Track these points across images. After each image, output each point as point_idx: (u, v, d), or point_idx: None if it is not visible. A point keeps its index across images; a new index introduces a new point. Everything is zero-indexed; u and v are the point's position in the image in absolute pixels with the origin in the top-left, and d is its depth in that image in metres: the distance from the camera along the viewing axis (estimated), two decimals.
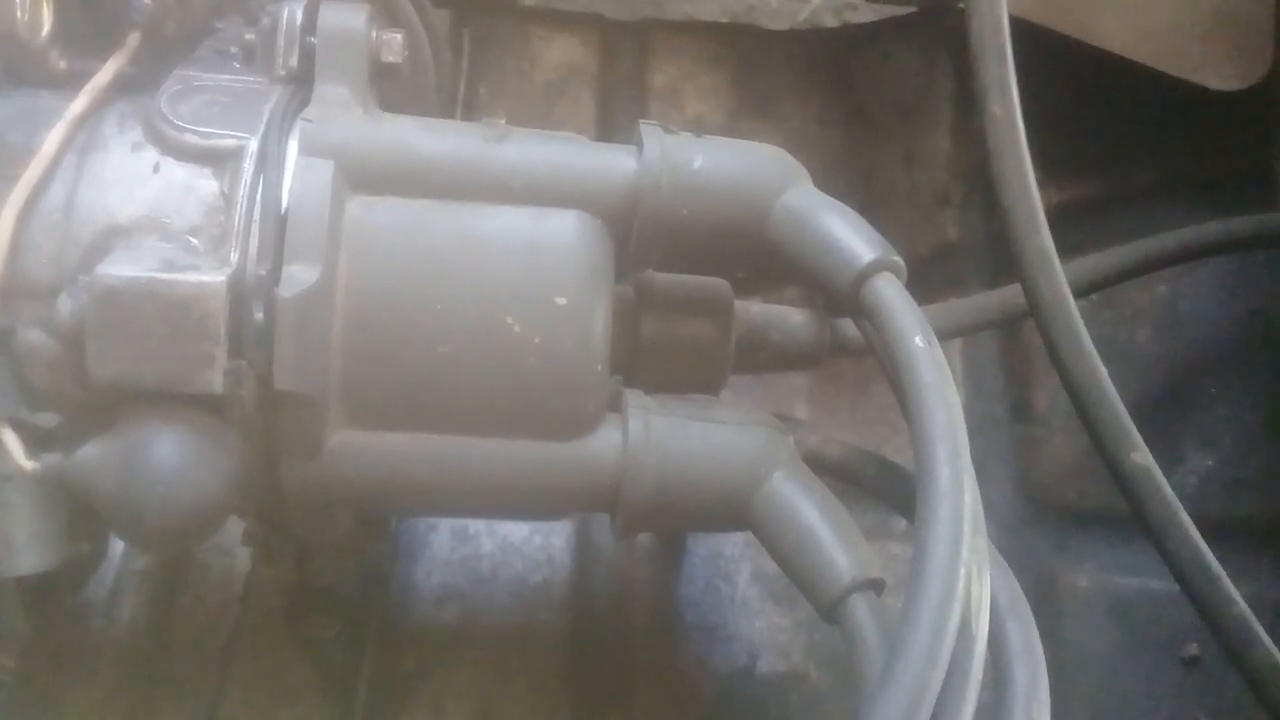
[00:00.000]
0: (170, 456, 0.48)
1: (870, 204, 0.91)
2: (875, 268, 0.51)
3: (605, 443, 0.55)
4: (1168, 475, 0.61)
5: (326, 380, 0.51)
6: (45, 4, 0.52)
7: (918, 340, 0.49)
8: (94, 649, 0.74)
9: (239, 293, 0.48)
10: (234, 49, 0.57)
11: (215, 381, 0.48)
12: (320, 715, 0.74)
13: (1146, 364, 0.85)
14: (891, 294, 0.51)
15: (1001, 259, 0.90)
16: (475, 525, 0.81)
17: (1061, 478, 0.84)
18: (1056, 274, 0.61)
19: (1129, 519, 0.62)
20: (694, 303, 0.61)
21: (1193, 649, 0.78)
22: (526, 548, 0.81)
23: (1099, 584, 0.81)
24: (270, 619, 0.77)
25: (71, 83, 0.54)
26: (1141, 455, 0.60)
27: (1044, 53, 0.72)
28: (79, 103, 0.51)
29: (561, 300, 0.53)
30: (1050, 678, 0.52)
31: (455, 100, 0.91)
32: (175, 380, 0.48)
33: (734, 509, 0.56)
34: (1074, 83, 0.86)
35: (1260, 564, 0.80)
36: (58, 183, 0.50)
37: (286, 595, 0.77)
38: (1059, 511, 0.84)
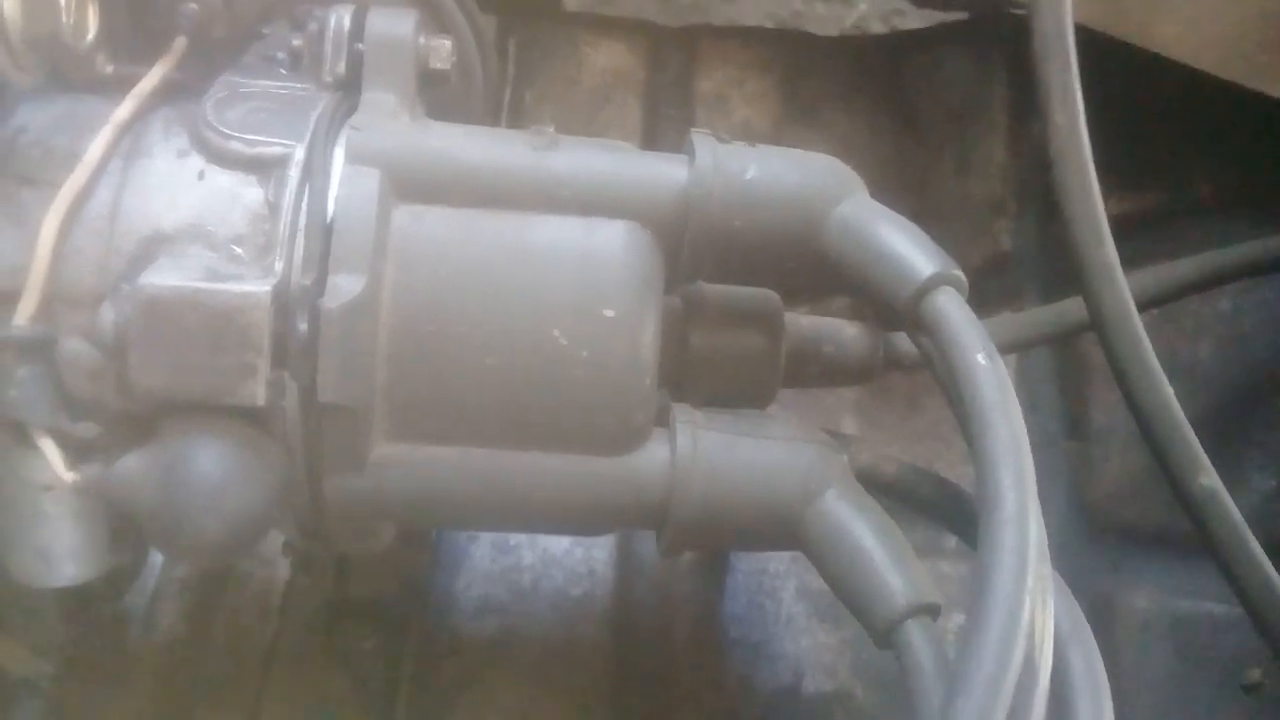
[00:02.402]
0: (212, 469, 0.47)
1: (922, 213, 0.88)
2: (936, 282, 0.50)
3: (653, 458, 0.53)
4: (1230, 496, 0.59)
5: (371, 393, 0.50)
6: (91, 7, 0.52)
7: (981, 358, 0.47)
8: (132, 657, 0.73)
9: (283, 303, 0.48)
10: (280, 54, 0.56)
11: (258, 393, 0.47)
12: None
13: (1209, 381, 0.83)
14: (954, 309, 0.49)
15: (1057, 269, 0.88)
16: (516, 537, 0.80)
17: (1118, 496, 0.82)
18: (1121, 288, 0.59)
19: (1188, 539, 0.60)
20: (744, 315, 0.60)
21: (1255, 675, 0.75)
22: (568, 560, 0.80)
23: (1157, 606, 0.79)
24: (309, 629, 0.76)
25: (117, 87, 0.54)
26: (1209, 478, 0.58)
27: (1105, 60, 0.70)
28: (124, 108, 0.51)
29: (610, 313, 0.52)
30: None
31: (501, 106, 0.90)
32: (218, 391, 0.47)
33: (784, 528, 0.54)
34: (1135, 91, 0.84)
35: None
36: (102, 189, 0.50)
37: (326, 606, 0.76)
38: (1115, 531, 0.82)
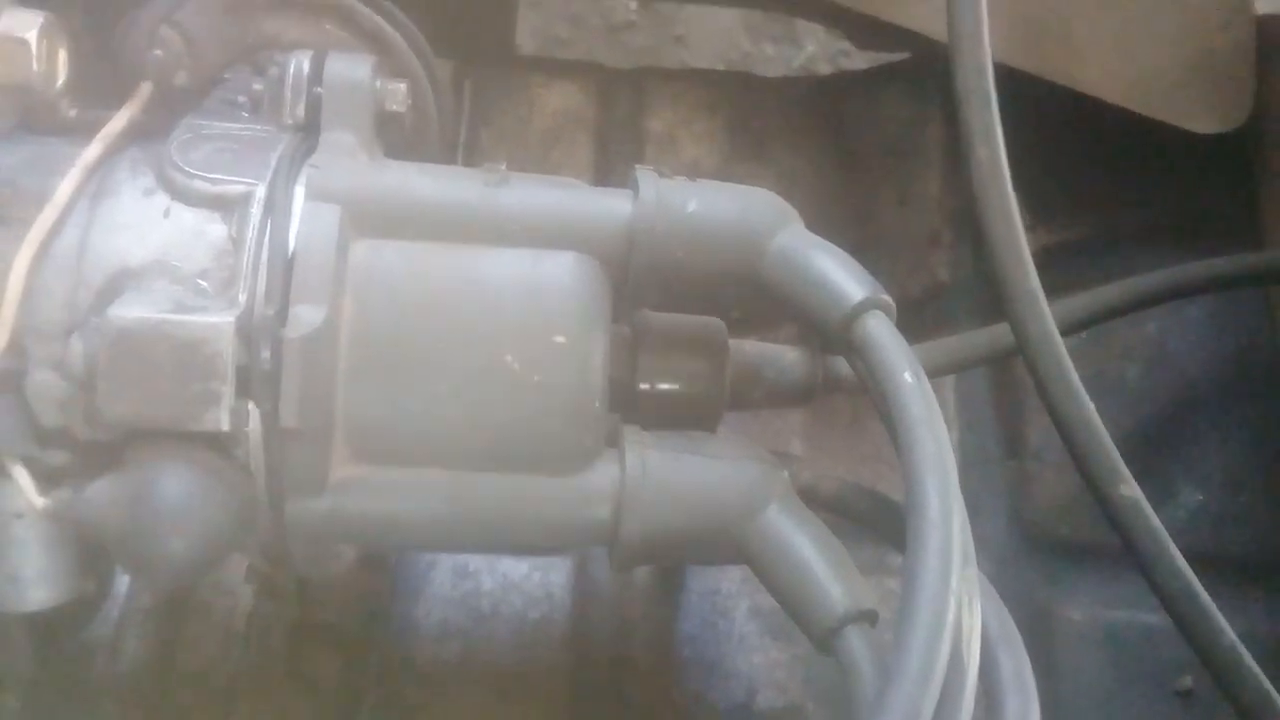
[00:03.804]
0: (177, 493, 0.49)
1: (863, 245, 0.93)
2: (865, 306, 0.53)
3: (603, 477, 0.56)
4: (1159, 510, 0.62)
5: (331, 418, 0.52)
6: (60, 54, 0.54)
7: (906, 375, 0.50)
8: (98, 687, 0.74)
9: (247, 333, 0.50)
10: (241, 98, 0.58)
11: (222, 419, 0.49)
12: None
13: (1136, 400, 0.86)
14: (881, 331, 0.52)
15: (992, 299, 0.91)
16: (475, 562, 0.82)
17: (1054, 512, 0.85)
18: (1043, 312, 0.62)
19: (1121, 552, 0.63)
20: (690, 341, 0.62)
21: (1187, 682, 0.78)
22: (526, 585, 0.82)
23: (1092, 617, 0.82)
24: (272, 657, 0.77)
25: (82, 131, 0.56)
26: (1129, 488, 0.61)
27: (1028, 98, 0.74)
28: (92, 150, 0.53)
29: (560, 339, 0.54)
30: (1045, 711, 0.53)
31: (457, 146, 0.93)
32: (183, 418, 0.49)
33: (729, 542, 0.57)
34: (1059, 128, 0.88)
35: (1251, 600, 0.81)
36: (71, 228, 0.52)
37: (288, 633, 0.78)
38: (1052, 545, 0.85)
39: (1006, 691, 0.52)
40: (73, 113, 0.58)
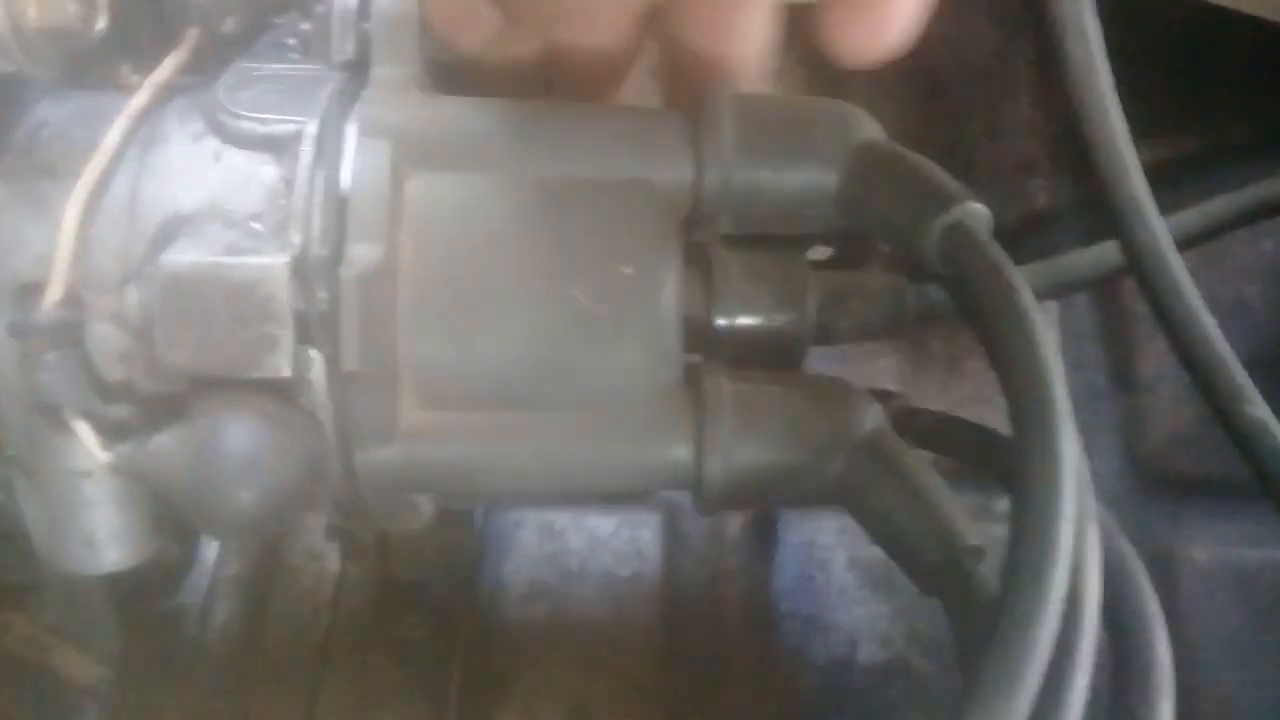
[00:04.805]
0: (242, 443, 0.48)
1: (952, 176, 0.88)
2: (959, 211, 0.49)
3: (681, 415, 0.53)
4: None
5: (394, 361, 0.50)
6: None
7: (1010, 279, 0.46)
8: (189, 656, 0.74)
9: (303, 275, 0.48)
10: (291, 41, 0.56)
11: (282, 365, 0.47)
12: (413, 716, 0.73)
13: (1254, 322, 0.81)
14: (979, 235, 0.48)
15: (1095, 226, 0.87)
16: (561, 520, 0.80)
17: (1172, 447, 0.80)
18: (1153, 219, 0.58)
19: (1248, 487, 0.58)
20: (768, 271, 0.59)
21: None
22: (614, 541, 0.80)
23: (1219, 557, 0.77)
24: (361, 622, 0.76)
25: (133, 88, 0.55)
26: (1257, 407, 0.56)
27: (1129, 5, 0.69)
28: (139, 98, 0.51)
29: (628, 270, 0.52)
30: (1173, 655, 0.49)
31: None
32: (243, 365, 0.47)
33: (821, 479, 0.54)
34: (1161, 35, 0.82)
35: None
36: (121, 177, 0.50)
37: (376, 597, 0.77)
38: (1172, 483, 0.80)
39: (1132, 628, 0.48)
40: (134, 78, 0.57)
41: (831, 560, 0.80)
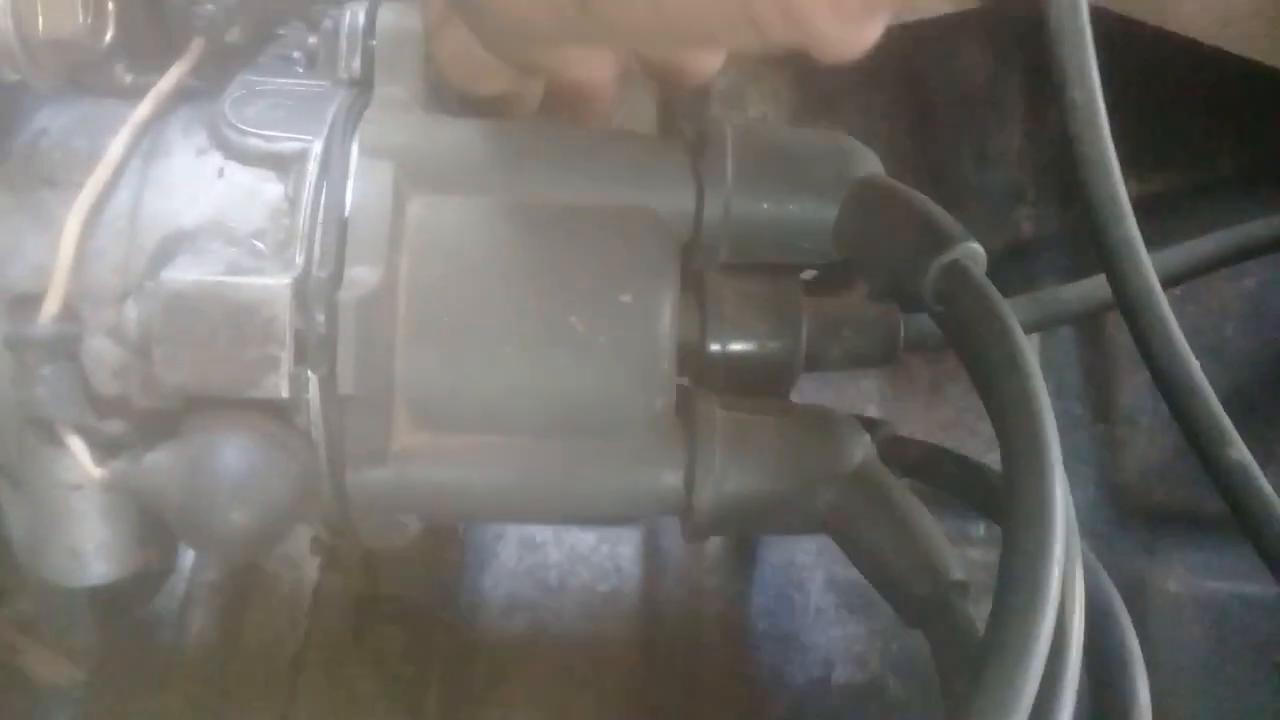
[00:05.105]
0: (237, 462, 0.47)
1: (941, 202, 0.89)
2: (955, 249, 0.50)
3: (673, 443, 0.53)
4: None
5: (390, 384, 0.50)
6: (109, 7, 0.52)
7: (1005, 320, 0.47)
8: (164, 661, 0.74)
9: (303, 296, 0.48)
10: (296, 54, 0.56)
11: (281, 386, 0.47)
12: None
13: (1235, 360, 0.82)
14: (974, 274, 0.49)
15: (1079, 255, 0.88)
16: (542, 534, 0.80)
17: (1148, 478, 0.81)
18: (1143, 262, 0.58)
19: (1219, 521, 0.59)
20: (762, 298, 0.59)
21: None
22: (594, 557, 0.80)
23: (1190, 588, 0.78)
24: (339, 631, 0.76)
25: (135, 95, 0.54)
26: (1238, 451, 0.57)
27: (1121, 41, 0.70)
28: (143, 108, 0.51)
29: (626, 298, 0.52)
30: None
31: None
32: (241, 384, 0.47)
33: (808, 509, 0.54)
34: (1153, 72, 0.83)
35: None
36: (122, 189, 0.50)
37: (355, 607, 0.77)
38: (1145, 514, 0.81)
39: (1114, 665, 0.49)
40: (129, 78, 0.56)
41: (810, 580, 0.81)
